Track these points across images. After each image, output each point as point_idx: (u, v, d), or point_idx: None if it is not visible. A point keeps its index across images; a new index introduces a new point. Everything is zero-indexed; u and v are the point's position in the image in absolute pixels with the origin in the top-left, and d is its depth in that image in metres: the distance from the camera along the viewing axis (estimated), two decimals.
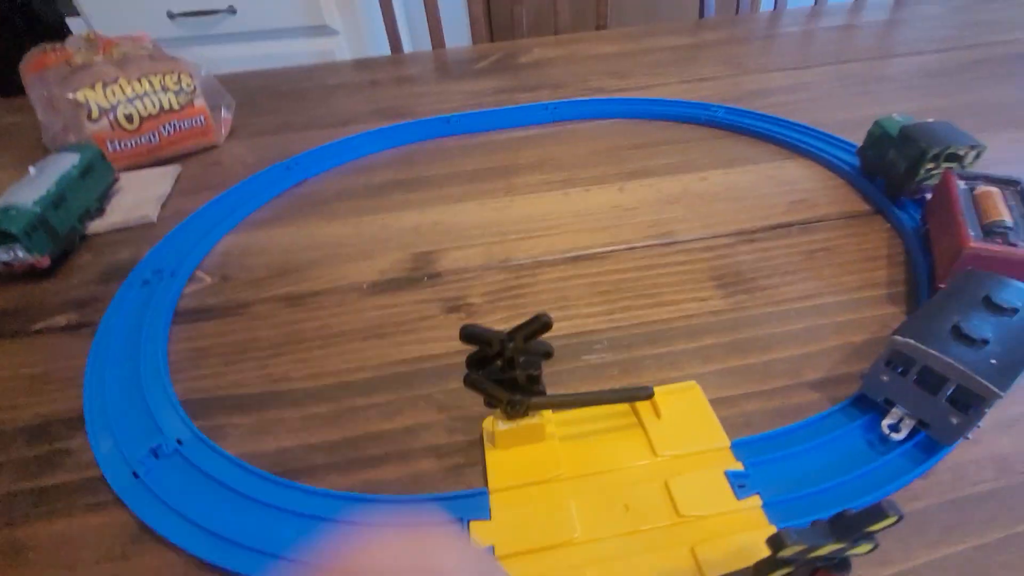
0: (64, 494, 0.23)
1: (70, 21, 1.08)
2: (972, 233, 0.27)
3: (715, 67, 0.64)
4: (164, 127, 0.48)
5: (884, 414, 0.22)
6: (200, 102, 0.49)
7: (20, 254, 0.34)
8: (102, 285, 0.35)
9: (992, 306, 0.22)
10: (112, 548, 0.21)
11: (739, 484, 0.20)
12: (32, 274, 0.36)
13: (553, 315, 0.30)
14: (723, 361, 0.26)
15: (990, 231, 0.28)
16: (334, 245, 0.38)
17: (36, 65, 0.46)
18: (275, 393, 0.27)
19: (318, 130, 0.56)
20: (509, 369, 0.20)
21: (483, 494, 0.21)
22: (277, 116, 0.60)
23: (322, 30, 1.11)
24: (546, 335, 0.29)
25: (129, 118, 0.45)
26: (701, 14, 0.89)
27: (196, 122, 0.49)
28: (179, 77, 0.48)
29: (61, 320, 0.33)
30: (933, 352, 0.20)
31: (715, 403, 0.24)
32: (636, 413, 0.23)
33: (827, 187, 0.40)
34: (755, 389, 0.25)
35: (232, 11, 1.06)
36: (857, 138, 0.41)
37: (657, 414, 0.23)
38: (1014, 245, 0.26)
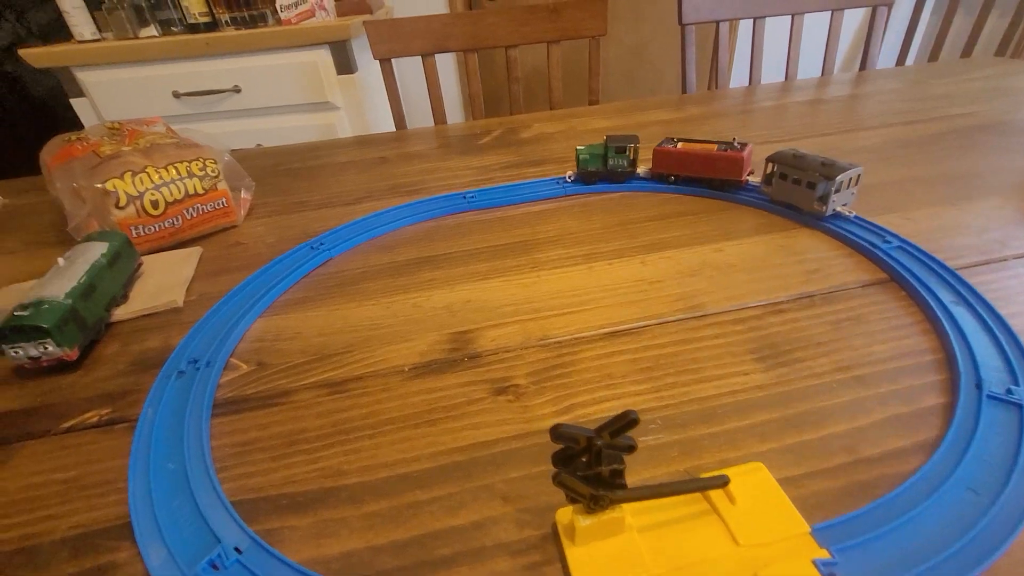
0: None
1: (75, 102, 1.10)
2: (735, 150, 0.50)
3: None
4: (188, 211, 0.48)
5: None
6: (223, 185, 0.50)
7: (50, 348, 0.33)
8: (132, 376, 0.35)
9: (799, 155, 0.45)
10: None
11: (829, 574, 0.20)
12: (57, 368, 0.35)
13: (602, 394, 0.31)
14: (779, 439, 0.27)
15: (730, 147, 0.51)
16: (368, 327, 0.38)
17: (61, 156, 0.47)
18: (330, 489, 0.26)
19: (335, 208, 0.57)
20: (595, 464, 0.20)
21: None
22: (293, 195, 0.61)
23: (324, 106, 1.16)
24: (598, 416, 0.29)
25: (155, 204, 0.46)
26: (684, 90, 0.96)
27: (218, 204, 0.50)
28: (204, 163, 0.49)
29: (92, 416, 0.32)
30: (843, 175, 0.43)
31: (781, 483, 0.24)
32: (708, 499, 0.23)
33: (837, 256, 0.42)
34: (817, 468, 0.25)
35: (237, 90, 1.10)
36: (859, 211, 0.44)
37: (731, 500, 0.23)
38: (745, 145, 0.51)
